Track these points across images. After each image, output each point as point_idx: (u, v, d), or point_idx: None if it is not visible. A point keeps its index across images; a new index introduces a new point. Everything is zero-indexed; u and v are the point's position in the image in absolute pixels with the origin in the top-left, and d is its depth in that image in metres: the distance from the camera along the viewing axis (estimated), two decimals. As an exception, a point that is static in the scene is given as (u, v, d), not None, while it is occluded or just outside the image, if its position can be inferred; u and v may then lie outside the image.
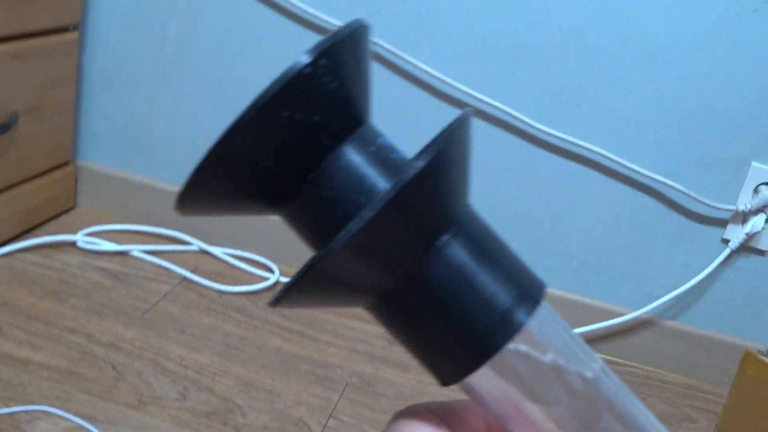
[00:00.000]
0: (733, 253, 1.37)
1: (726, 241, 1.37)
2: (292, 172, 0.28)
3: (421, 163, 0.26)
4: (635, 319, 1.40)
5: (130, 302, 1.29)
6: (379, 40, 1.34)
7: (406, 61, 1.35)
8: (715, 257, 1.37)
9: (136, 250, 1.41)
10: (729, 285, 1.40)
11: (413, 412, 0.31)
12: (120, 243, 1.43)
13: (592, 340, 1.44)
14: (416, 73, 1.36)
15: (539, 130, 1.35)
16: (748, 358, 1.05)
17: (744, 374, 1.05)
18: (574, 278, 1.43)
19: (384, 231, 0.26)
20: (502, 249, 0.30)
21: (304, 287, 0.27)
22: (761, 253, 1.38)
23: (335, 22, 1.33)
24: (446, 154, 0.28)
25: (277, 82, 0.26)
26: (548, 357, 0.31)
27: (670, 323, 1.43)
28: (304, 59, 0.26)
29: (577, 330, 1.40)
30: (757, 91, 1.29)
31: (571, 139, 1.34)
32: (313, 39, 1.35)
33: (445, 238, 0.28)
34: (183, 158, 1.48)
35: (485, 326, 0.28)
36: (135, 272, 1.38)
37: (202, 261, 1.46)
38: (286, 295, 0.28)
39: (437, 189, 0.27)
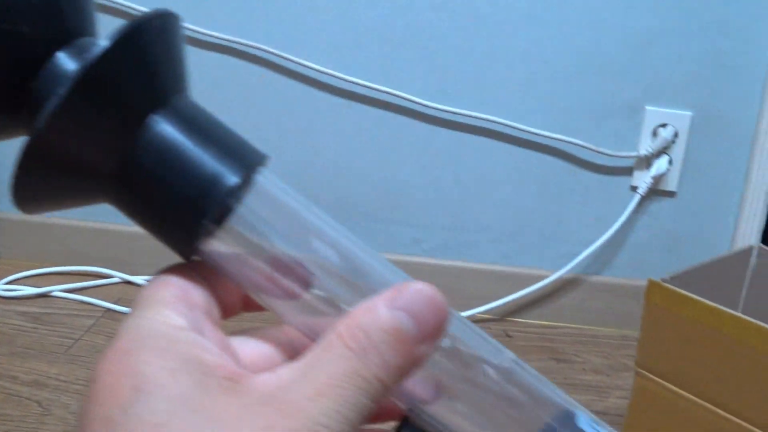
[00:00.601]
0: (643, 198, 1.38)
1: (634, 188, 1.38)
2: (13, 84, 0.30)
3: (106, 44, 0.28)
4: (559, 279, 1.41)
5: (53, 340, 1.29)
6: (261, 44, 1.35)
7: (290, 60, 1.36)
8: (627, 206, 1.38)
9: (56, 290, 1.41)
10: (645, 231, 1.41)
11: (172, 267, 0.32)
12: (41, 286, 1.43)
13: (522, 307, 1.44)
14: (303, 71, 1.37)
15: (432, 108, 1.36)
16: (653, 287, 1.05)
17: (651, 304, 1.05)
18: (493, 250, 1.44)
19: (82, 109, 0.28)
20: (218, 127, 0.32)
21: (24, 179, 0.29)
22: (671, 194, 1.39)
23: (217, 34, 1.35)
24: (137, 38, 0.29)
25: None
26: (277, 226, 0.32)
27: (595, 278, 1.44)
28: None
29: (505, 299, 1.41)
30: (637, 34, 1.31)
31: (465, 112, 1.36)
32: (206, 55, 1.37)
33: (155, 116, 0.30)
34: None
35: (200, 194, 0.30)
36: (57, 312, 1.37)
37: (125, 292, 1.46)
38: (17, 192, 0.29)
39: (132, 69, 0.29)
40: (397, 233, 1.43)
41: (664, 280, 1.06)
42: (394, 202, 1.42)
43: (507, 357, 0.34)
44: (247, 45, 1.35)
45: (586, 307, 1.44)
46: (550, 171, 1.39)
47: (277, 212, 0.32)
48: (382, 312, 0.29)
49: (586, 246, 1.39)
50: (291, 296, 0.32)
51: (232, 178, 0.30)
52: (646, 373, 1.06)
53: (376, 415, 0.36)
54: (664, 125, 1.35)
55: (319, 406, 0.27)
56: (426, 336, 0.30)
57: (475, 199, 1.41)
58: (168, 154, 0.30)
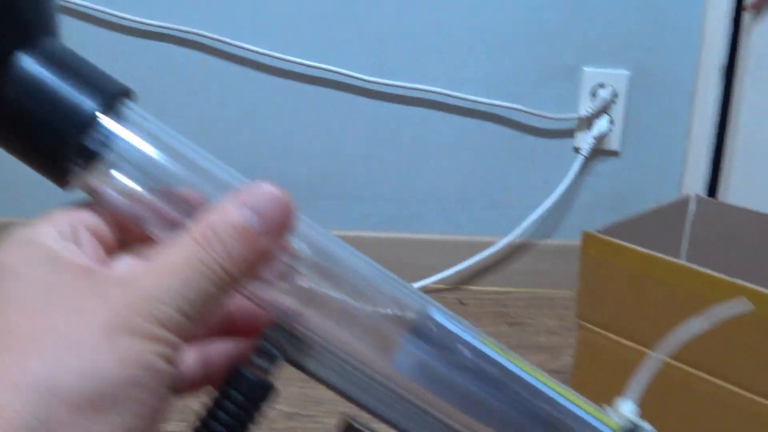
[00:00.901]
0: (587, 159, 1.39)
1: (577, 150, 1.40)
2: None
3: None
4: (509, 245, 1.42)
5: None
6: (197, 29, 1.36)
7: (228, 44, 1.36)
8: (571, 168, 1.39)
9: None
10: (591, 191, 1.42)
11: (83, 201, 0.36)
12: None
13: (474, 275, 1.45)
14: (241, 53, 1.38)
15: (373, 82, 1.37)
16: (588, 238, 1.05)
17: (587, 256, 1.06)
18: (442, 219, 1.45)
19: None
20: (83, 65, 0.34)
21: None
22: (614, 154, 1.40)
23: (151, 21, 1.35)
24: None
25: None
26: (148, 157, 0.34)
27: (544, 242, 1.45)
28: None
29: (457, 268, 1.42)
30: (568, -3, 1.33)
31: (404, 84, 1.37)
32: (145, 44, 1.37)
33: (20, 54, 0.33)
34: (46, 188, 1.48)
35: (62, 122, 0.33)
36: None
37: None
38: None
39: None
40: (345, 209, 1.44)
41: (599, 231, 1.07)
42: (340, 179, 1.43)
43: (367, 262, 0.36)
44: (182, 31, 1.36)
45: (537, 271, 1.45)
46: (493, 138, 1.40)
47: (147, 143, 0.34)
48: (230, 210, 0.32)
49: (534, 210, 1.41)
50: (170, 225, 0.34)
51: (91, 105, 0.33)
52: (588, 325, 1.07)
53: (245, 328, 0.38)
54: (602, 85, 1.36)
55: (158, 285, 0.30)
56: (270, 230, 0.32)
57: (420, 171, 1.42)
58: (32, 87, 0.33)
